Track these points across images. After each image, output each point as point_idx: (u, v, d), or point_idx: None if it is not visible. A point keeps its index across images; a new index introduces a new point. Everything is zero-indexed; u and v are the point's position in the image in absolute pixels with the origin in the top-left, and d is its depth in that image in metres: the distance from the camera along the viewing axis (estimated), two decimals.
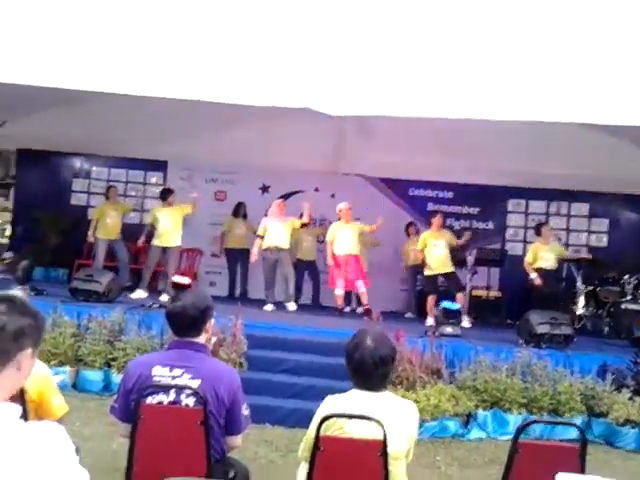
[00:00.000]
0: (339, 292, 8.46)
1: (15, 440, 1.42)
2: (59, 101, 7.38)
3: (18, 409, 1.50)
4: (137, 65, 5.40)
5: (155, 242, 8.41)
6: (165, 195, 8.63)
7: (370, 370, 2.43)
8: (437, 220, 8.43)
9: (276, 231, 8.34)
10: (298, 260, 9.47)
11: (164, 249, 8.38)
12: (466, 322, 7.79)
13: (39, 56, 5.32)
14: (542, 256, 8.12)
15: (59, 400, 2.55)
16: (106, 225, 9.00)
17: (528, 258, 8.15)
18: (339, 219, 8.58)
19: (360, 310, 8.92)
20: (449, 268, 8.30)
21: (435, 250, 8.25)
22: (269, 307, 8.33)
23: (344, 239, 8.39)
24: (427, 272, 8.35)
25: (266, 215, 8.70)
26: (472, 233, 8.87)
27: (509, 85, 5.19)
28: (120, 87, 5.45)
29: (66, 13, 5.45)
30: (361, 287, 8.37)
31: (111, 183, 10.41)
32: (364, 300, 8.38)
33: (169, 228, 8.35)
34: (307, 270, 9.74)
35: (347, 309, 9.13)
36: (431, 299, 8.26)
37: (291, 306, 8.34)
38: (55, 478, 1.44)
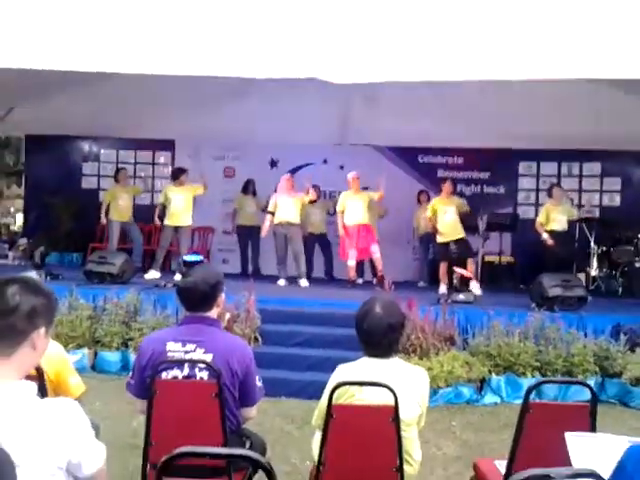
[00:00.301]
0: (351, 263, 8.43)
1: (32, 415, 1.47)
2: (64, 85, 7.38)
3: (33, 386, 1.54)
4: (141, 43, 5.35)
5: (167, 222, 8.46)
6: (177, 174, 8.64)
7: (379, 338, 2.46)
8: (447, 187, 8.39)
9: (286, 206, 8.34)
10: (309, 234, 9.49)
11: (176, 228, 8.43)
12: (476, 289, 7.80)
13: (42, 40, 5.30)
14: (554, 218, 8.08)
15: (76, 380, 2.61)
16: (118, 207, 9.06)
17: (540, 219, 8.12)
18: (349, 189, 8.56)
19: (374, 280, 8.95)
20: (460, 234, 8.26)
21: (445, 217, 8.22)
22: (282, 282, 8.38)
23: (354, 209, 8.36)
24: (439, 239, 8.34)
25: (276, 191, 8.70)
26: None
27: (515, 43, 5.08)
28: (125, 66, 5.42)
29: None
30: (376, 252, 8.30)
31: (120, 165, 10.47)
32: (379, 266, 8.32)
33: (181, 207, 8.38)
34: (318, 243, 9.75)
35: (360, 280, 9.14)
36: (443, 266, 8.26)
37: (303, 282, 8.39)
38: (72, 451, 1.49)
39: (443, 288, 8.03)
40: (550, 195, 8.38)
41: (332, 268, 9.86)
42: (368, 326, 2.47)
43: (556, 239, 7.93)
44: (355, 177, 8.49)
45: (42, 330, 1.57)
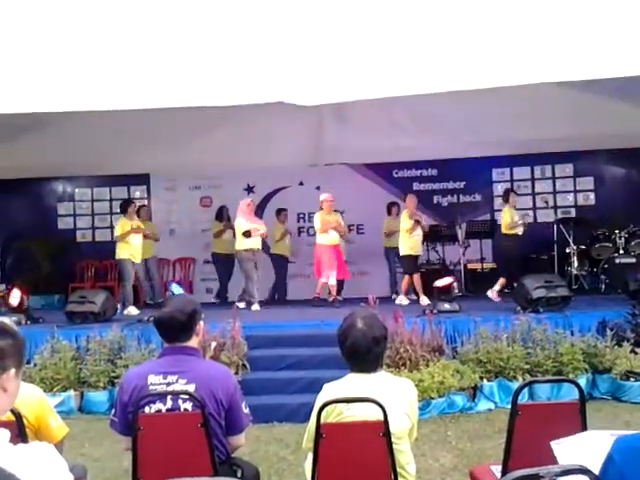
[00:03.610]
0: (332, 282, 8.31)
1: (4, 464, 1.41)
2: (30, 127, 7.33)
3: (6, 433, 1.49)
4: (104, 79, 5.36)
5: (128, 257, 8.24)
6: (124, 207, 8.53)
7: (364, 352, 2.42)
8: (411, 200, 8.42)
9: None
10: (280, 256, 9.53)
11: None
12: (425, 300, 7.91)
13: (3, 83, 5.28)
14: (516, 221, 8.20)
15: (58, 422, 2.54)
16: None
17: (507, 221, 8.19)
18: (321, 209, 8.49)
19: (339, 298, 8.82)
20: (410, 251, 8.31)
21: (416, 231, 8.29)
22: (256, 306, 8.33)
23: (330, 230, 8.32)
24: (409, 252, 8.34)
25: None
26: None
27: (479, 52, 5.15)
28: (89, 104, 5.41)
29: (27, 35, 5.41)
30: (332, 279, 8.25)
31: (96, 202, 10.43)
32: (333, 291, 8.32)
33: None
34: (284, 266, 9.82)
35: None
36: (417, 278, 8.24)
37: (255, 307, 8.34)
38: None
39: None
40: (506, 200, 8.40)
41: (286, 290, 9.88)
42: (352, 342, 2.43)
43: (518, 242, 8.06)
44: (329, 199, 8.45)
45: (12, 372, 1.52)
